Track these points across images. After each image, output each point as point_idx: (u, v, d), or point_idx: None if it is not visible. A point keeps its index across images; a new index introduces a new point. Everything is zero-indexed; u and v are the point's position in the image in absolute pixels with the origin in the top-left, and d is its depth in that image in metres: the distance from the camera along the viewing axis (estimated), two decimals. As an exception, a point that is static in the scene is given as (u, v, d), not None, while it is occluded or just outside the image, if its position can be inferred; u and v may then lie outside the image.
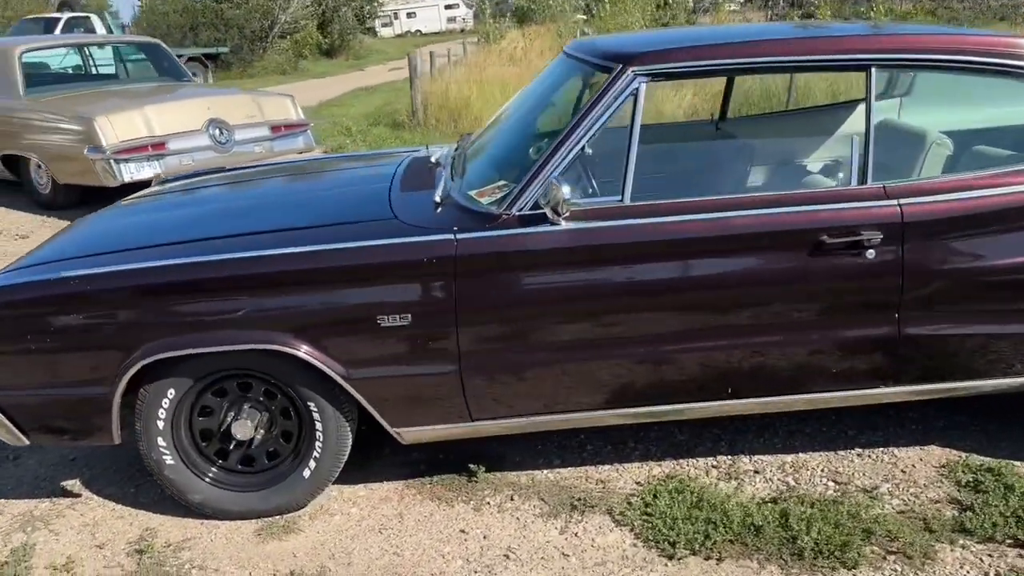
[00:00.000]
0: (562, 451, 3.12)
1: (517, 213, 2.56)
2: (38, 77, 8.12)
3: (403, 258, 2.54)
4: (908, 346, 2.64)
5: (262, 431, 2.73)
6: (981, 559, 2.43)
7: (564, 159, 2.58)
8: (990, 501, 2.64)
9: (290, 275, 2.55)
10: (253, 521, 2.78)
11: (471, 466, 2.96)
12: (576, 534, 2.65)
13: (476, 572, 2.50)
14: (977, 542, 2.50)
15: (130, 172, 6.73)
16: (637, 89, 2.60)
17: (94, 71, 9.39)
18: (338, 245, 2.57)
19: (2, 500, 3.00)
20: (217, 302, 2.56)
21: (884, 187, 2.57)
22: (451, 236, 2.54)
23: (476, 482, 2.93)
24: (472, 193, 2.72)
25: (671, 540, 2.55)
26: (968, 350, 2.67)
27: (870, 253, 2.54)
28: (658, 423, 3.20)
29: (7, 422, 2.65)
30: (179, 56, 20.70)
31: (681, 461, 3.02)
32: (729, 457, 3.03)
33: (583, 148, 2.60)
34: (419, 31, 53.03)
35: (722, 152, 3.43)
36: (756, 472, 2.94)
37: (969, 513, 2.62)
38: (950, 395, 2.80)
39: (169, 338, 2.54)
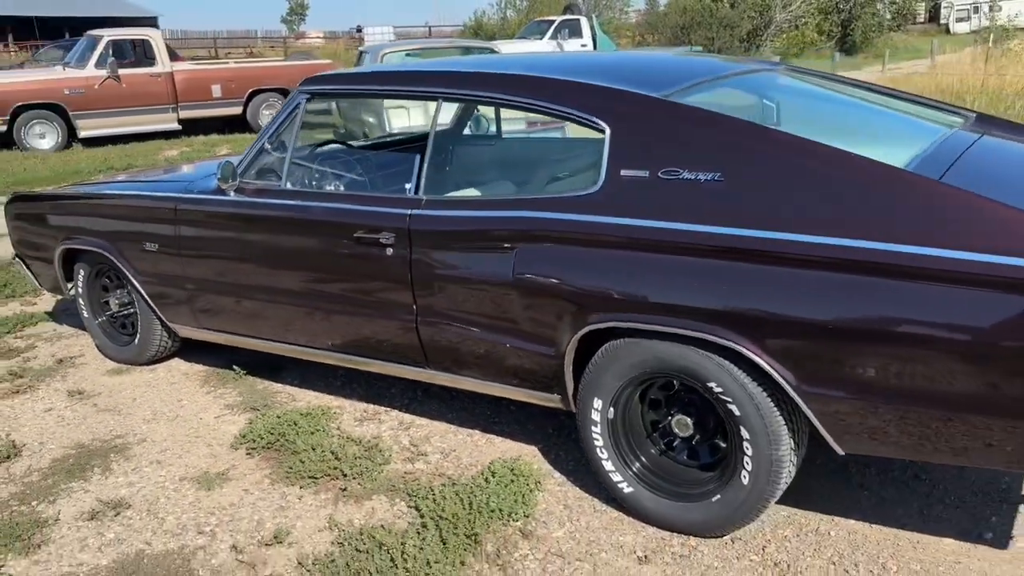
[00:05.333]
0: (315, 377, 4.06)
1: (221, 186, 3.65)
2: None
3: (155, 206, 3.83)
4: (425, 335, 3.10)
5: (127, 308, 4.28)
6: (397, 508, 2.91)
7: (252, 152, 3.58)
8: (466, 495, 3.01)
9: (111, 207, 4.03)
10: (118, 365, 4.35)
11: (235, 368, 4.13)
12: (221, 420, 3.69)
13: (144, 417, 3.73)
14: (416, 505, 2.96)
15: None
16: (298, 104, 3.48)
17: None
18: (139, 192, 3.97)
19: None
20: (88, 217, 4.15)
21: (423, 198, 3.06)
22: (178, 194, 3.76)
23: (236, 380, 4.09)
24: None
25: (246, 437, 3.45)
26: (468, 350, 3.01)
27: (389, 251, 3.08)
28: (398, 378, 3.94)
29: (28, 272, 4.62)
30: (652, 55, 22.73)
31: (354, 402, 3.77)
32: (388, 409, 3.69)
33: (263, 146, 3.56)
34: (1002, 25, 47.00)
35: (379, 160, 3.88)
36: (381, 422, 3.58)
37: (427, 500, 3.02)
38: (477, 389, 3.13)
39: (71, 237, 4.21)
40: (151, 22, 50.38)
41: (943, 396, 2.21)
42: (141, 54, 13.84)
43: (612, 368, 2.68)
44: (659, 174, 2.59)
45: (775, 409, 2.45)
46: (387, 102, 6.82)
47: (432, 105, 3.16)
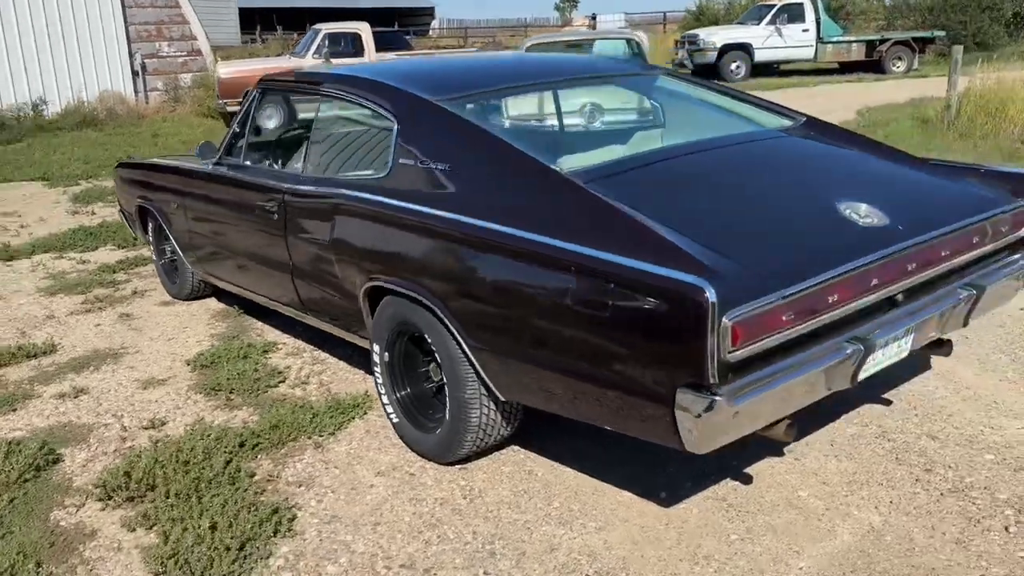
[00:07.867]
0: (290, 319, 4.98)
1: (200, 161, 4.66)
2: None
3: (175, 175, 4.93)
4: (298, 286, 3.88)
5: (175, 254, 5.47)
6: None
7: (228, 134, 4.55)
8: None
9: (157, 174, 5.21)
10: (169, 299, 5.55)
11: (235, 306, 5.16)
12: (199, 344, 4.72)
13: (152, 336, 4.86)
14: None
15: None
16: (254, 97, 4.39)
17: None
18: (178, 165, 5.10)
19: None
20: (147, 181, 5.35)
21: (301, 175, 3.84)
22: (187, 166, 4.82)
23: (235, 316, 5.13)
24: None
25: (200, 357, 4.45)
26: (318, 299, 3.75)
27: (274, 216, 3.90)
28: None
29: (127, 223, 5.98)
30: (884, 41, 21.42)
31: (296, 341, 4.65)
32: (314, 349, 4.54)
33: (234, 129, 4.51)
34: None
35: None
36: (299, 357, 4.43)
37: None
38: (331, 332, 3.85)
39: (140, 196, 5.46)
40: (428, 12, 54.34)
41: (559, 362, 2.63)
42: (359, 45, 15.63)
43: (382, 320, 3.32)
44: (419, 163, 3.19)
45: (462, 358, 2.97)
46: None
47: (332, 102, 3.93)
